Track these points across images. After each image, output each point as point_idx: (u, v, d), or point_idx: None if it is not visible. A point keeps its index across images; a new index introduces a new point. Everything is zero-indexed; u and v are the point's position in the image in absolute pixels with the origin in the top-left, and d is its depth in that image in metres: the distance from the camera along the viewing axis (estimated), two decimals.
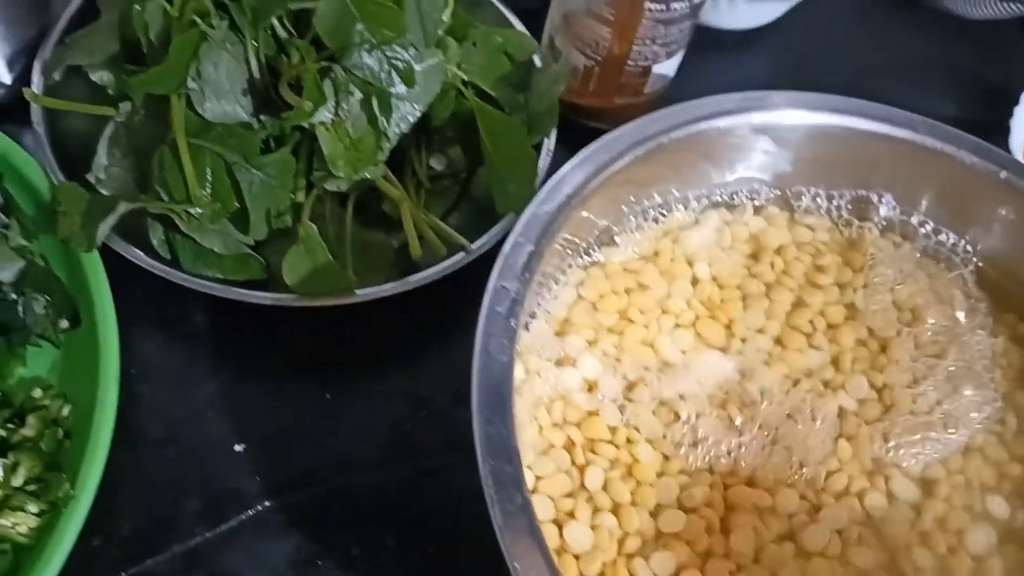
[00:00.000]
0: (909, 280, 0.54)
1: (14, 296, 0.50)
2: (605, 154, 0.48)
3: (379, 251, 0.56)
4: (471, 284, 0.49)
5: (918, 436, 0.48)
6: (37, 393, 0.48)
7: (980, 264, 0.55)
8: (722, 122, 0.50)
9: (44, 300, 0.50)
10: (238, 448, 0.50)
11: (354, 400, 0.53)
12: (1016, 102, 0.66)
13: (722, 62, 0.72)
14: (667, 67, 0.62)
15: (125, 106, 0.53)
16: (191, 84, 0.50)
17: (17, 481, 0.44)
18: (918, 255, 0.55)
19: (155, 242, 0.52)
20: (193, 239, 0.51)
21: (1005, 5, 0.70)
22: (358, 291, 0.51)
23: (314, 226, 0.50)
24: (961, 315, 0.53)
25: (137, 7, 0.49)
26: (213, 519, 0.48)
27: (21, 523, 0.43)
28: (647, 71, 0.62)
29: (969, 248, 0.55)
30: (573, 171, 0.47)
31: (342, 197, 0.55)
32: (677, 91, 0.64)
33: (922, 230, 0.56)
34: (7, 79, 0.58)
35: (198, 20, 0.49)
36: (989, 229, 0.54)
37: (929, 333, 0.52)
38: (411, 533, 0.49)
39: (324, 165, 0.52)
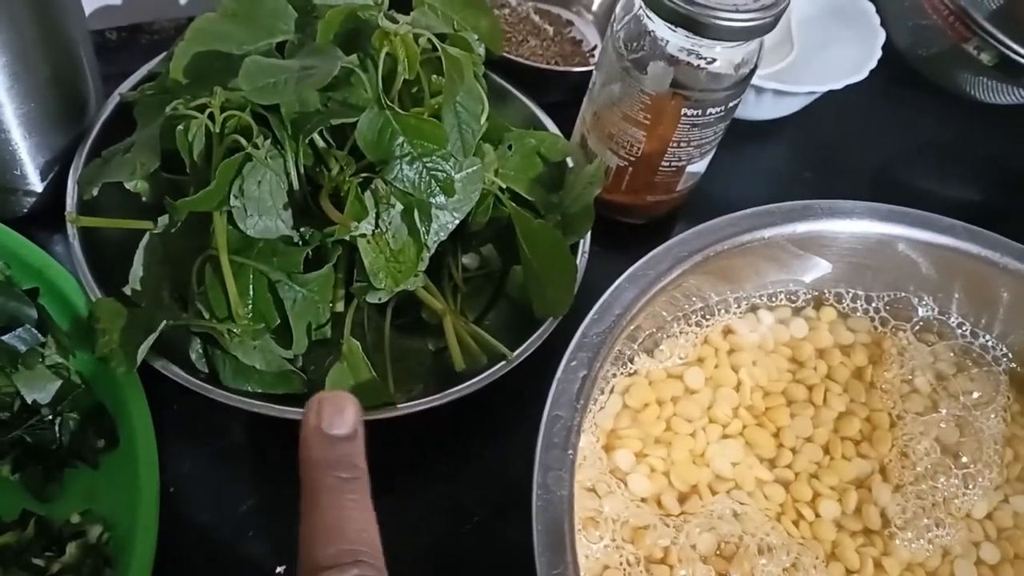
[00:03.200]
0: (942, 379, 0.54)
1: (50, 417, 0.49)
2: (653, 269, 0.48)
3: (417, 357, 0.55)
4: (510, 390, 0.49)
5: None
6: (75, 519, 0.47)
7: (1015, 366, 0.54)
8: (767, 232, 0.50)
9: (81, 420, 0.49)
10: (279, 570, 0.49)
11: (393, 513, 0.52)
12: None
13: (748, 152, 0.72)
14: (700, 166, 0.62)
15: (163, 219, 0.53)
16: (234, 202, 0.49)
17: None
18: (952, 354, 0.55)
19: (193, 357, 0.52)
20: (234, 356, 0.51)
21: None
22: (399, 405, 0.50)
23: (357, 343, 0.50)
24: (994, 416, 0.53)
25: (180, 127, 0.49)
26: None
27: None
28: (681, 170, 0.62)
29: (1005, 349, 0.55)
30: (622, 289, 0.47)
31: (380, 305, 0.55)
32: (704, 180, 0.64)
33: (959, 331, 0.56)
34: (39, 187, 0.58)
35: (242, 140, 0.49)
36: None
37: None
38: None
39: (365, 276, 0.51)
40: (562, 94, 0.68)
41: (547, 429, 0.41)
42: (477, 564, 0.51)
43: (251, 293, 0.50)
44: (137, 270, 0.53)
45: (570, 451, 0.40)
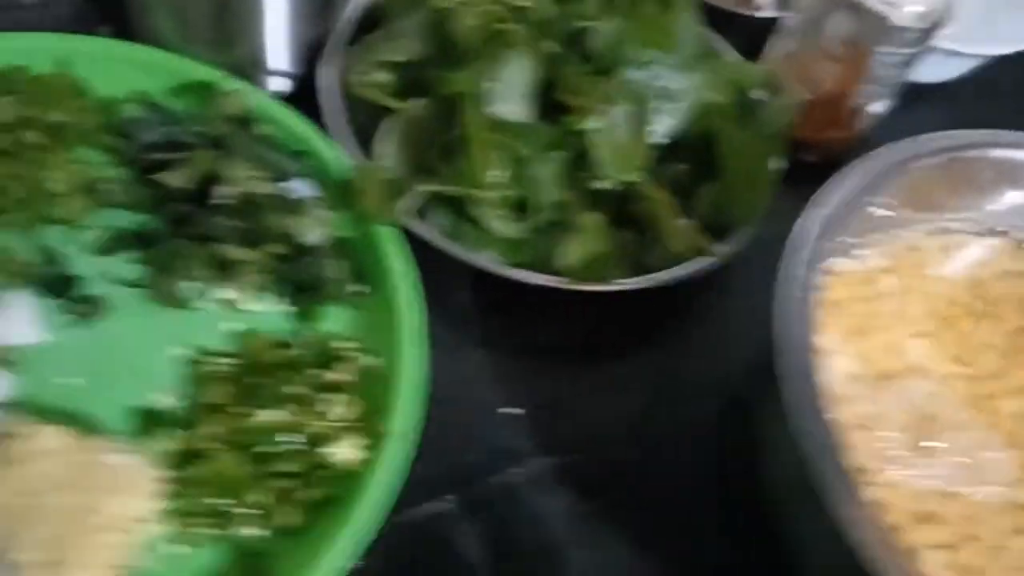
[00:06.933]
0: None
1: (318, 259, 0.55)
2: (886, 161, 0.53)
3: (628, 248, 0.60)
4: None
5: None
6: (343, 344, 0.53)
7: None
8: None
9: (340, 264, 0.56)
10: (508, 411, 0.55)
11: (599, 388, 0.58)
12: None
13: (919, 113, 0.76)
14: (880, 106, 0.68)
15: (415, 102, 0.59)
16: (488, 84, 0.56)
17: (337, 416, 0.49)
18: None
19: (436, 224, 0.58)
20: (475, 223, 0.57)
21: None
22: (624, 280, 0.56)
23: (597, 215, 0.56)
24: None
25: (451, 10, 0.56)
26: (491, 471, 0.53)
27: (346, 454, 0.48)
28: (862, 108, 0.67)
29: None
30: (837, 184, 0.52)
31: (596, 198, 0.60)
32: (874, 135, 0.69)
33: None
34: (295, 70, 0.64)
35: (506, 27, 0.55)
36: None
37: None
38: (665, 507, 0.53)
39: (593, 167, 0.57)
40: (739, 36, 0.73)
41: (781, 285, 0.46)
42: (673, 428, 0.56)
43: (499, 167, 0.56)
44: (382, 148, 0.60)
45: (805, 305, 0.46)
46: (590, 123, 0.57)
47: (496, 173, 0.56)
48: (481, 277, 0.57)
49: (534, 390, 0.56)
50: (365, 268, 0.56)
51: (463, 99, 0.56)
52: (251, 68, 0.63)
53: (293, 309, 0.55)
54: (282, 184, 0.56)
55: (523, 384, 0.56)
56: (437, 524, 0.51)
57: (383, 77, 0.61)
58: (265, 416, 0.49)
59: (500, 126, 0.56)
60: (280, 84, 0.65)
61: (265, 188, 0.55)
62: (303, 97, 0.62)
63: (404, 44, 0.58)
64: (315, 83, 0.63)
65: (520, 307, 0.59)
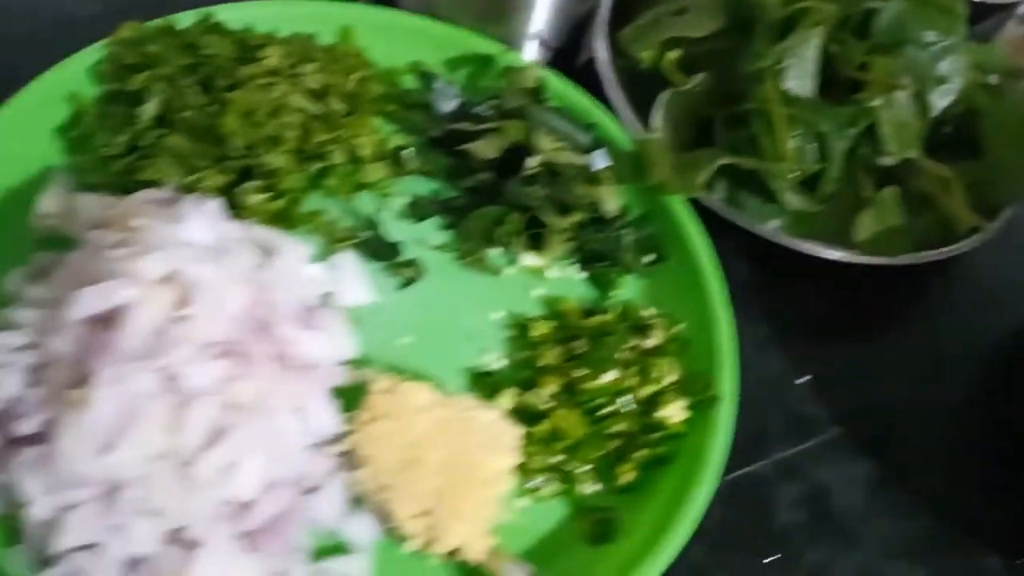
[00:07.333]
0: None
1: (614, 228, 0.57)
2: None
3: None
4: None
5: None
6: (647, 312, 0.55)
7: None
8: None
9: (635, 235, 0.57)
10: (801, 381, 0.57)
11: (882, 352, 0.60)
12: None
13: None
14: None
15: (697, 77, 0.61)
16: (786, 61, 0.57)
17: (663, 380, 0.51)
18: None
19: (719, 196, 0.59)
20: (761, 194, 0.59)
21: None
22: (912, 255, 0.58)
23: (894, 189, 0.57)
24: None
25: None
26: (796, 437, 0.55)
27: (674, 415, 0.51)
28: None
29: None
30: None
31: (878, 173, 0.61)
32: None
33: None
34: (559, 44, 0.66)
35: (810, 5, 0.56)
36: None
37: None
38: (950, 469, 0.56)
39: (878, 143, 0.59)
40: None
41: None
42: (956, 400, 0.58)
43: (798, 141, 0.57)
44: (657, 121, 0.61)
45: None
46: (876, 101, 0.59)
47: (795, 147, 0.57)
48: (762, 248, 0.59)
49: (820, 361, 0.58)
50: (656, 238, 0.58)
51: (762, 75, 0.57)
52: (518, 40, 0.65)
53: (590, 278, 0.57)
54: (584, 155, 0.58)
55: (810, 354, 0.58)
56: (752, 487, 0.53)
57: (673, 53, 0.62)
58: (606, 379, 0.50)
59: (795, 101, 0.58)
60: (542, 56, 0.66)
61: (572, 158, 0.57)
62: (562, 70, 0.64)
63: (698, 20, 0.59)
64: (576, 56, 0.65)
65: (799, 279, 0.61)
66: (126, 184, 0.52)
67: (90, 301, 0.42)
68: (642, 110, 0.61)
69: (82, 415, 0.40)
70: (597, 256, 0.57)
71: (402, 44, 0.63)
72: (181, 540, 0.42)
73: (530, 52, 0.65)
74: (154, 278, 0.42)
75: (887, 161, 0.59)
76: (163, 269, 0.43)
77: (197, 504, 0.41)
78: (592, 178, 0.57)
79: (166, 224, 0.46)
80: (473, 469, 0.47)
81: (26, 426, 0.41)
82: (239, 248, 0.47)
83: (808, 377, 0.57)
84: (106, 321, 0.42)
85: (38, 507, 0.41)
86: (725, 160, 0.58)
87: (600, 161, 0.58)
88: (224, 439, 0.42)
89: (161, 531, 0.41)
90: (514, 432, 0.49)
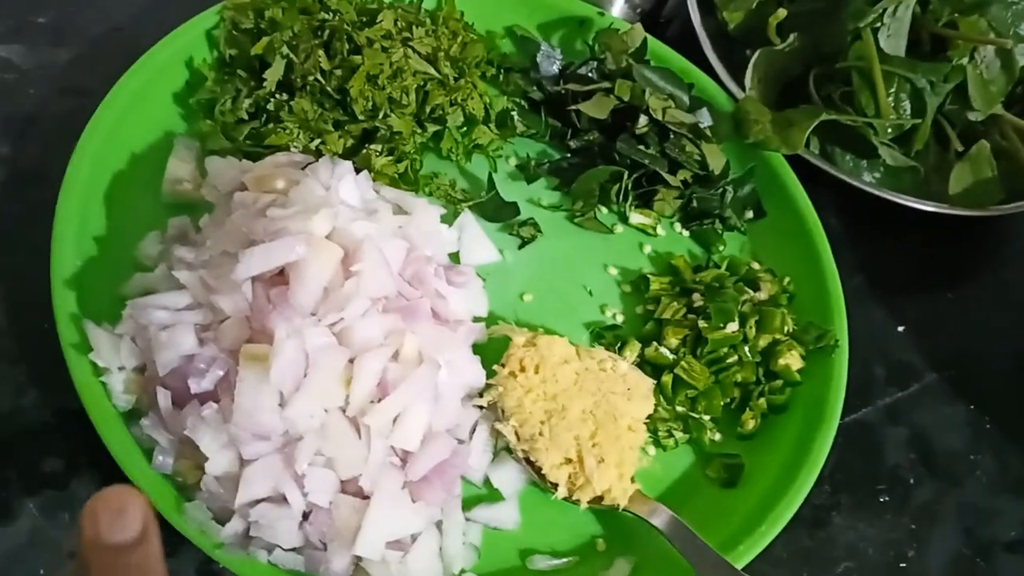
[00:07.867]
0: None
1: (719, 185, 0.59)
2: None
3: None
4: None
5: None
6: (756, 266, 0.57)
7: None
8: None
9: (736, 194, 0.59)
10: (900, 329, 0.59)
11: (972, 300, 0.62)
12: None
13: None
14: None
15: (790, 37, 0.62)
16: (881, 22, 0.59)
17: (778, 331, 0.53)
18: None
19: (810, 150, 0.61)
20: (856, 151, 0.60)
21: None
22: (1003, 207, 0.60)
23: (987, 143, 0.60)
24: None
25: None
26: (898, 384, 0.58)
27: (792, 365, 0.53)
28: None
29: None
30: None
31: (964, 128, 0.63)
32: None
33: None
34: (644, 5, 0.67)
35: None
36: None
37: None
38: None
39: (967, 100, 0.61)
40: None
41: None
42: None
43: (897, 98, 0.59)
44: (750, 78, 0.63)
45: None
46: (966, 58, 0.60)
47: (892, 103, 0.59)
48: (853, 202, 0.61)
49: (915, 309, 0.61)
50: (756, 195, 0.60)
51: (860, 33, 0.59)
52: (607, 2, 0.66)
53: (694, 234, 0.59)
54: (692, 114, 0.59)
55: (904, 304, 0.61)
56: (863, 431, 0.56)
57: (780, 12, 0.63)
58: (729, 330, 0.52)
59: (891, 59, 0.59)
60: (629, 18, 0.67)
61: (681, 116, 0.58)
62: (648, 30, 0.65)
63: None
64: (657, 18, 0.66)
65: (890, 231, 0.63)
66: (250, 149, 0.53)
67: (260, 260, 0.43)
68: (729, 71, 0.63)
69: (262, 370, 0.41)
70: (702, 213, 0.59)
71: (497, 9, 0.63)
72: (353, 491, 0.43)
73: (618, 13, 0.66)
74: (322, 236, 0.43)
75: (975, 116, 0.61)
76: (328, 227, 0.44)
77: (369, 454, 0.43)
78: (700, 135, 0.59)
79: (316, 185, 0.47)
80: (615, 418, 0.49)
81: (203, 383, 0.42)
82: (384, 208, 0.48)
83: (904, 327, 0.60)
84: (275, 279, 0.43)
85: (216, 462, 0.42)
86: (825, 116, 0.60)
87: (707, 119, 0.60)
88: (393, 390, 0.43)
89: (337, 481, 0.43)
90: (649, 382, 0.50)
